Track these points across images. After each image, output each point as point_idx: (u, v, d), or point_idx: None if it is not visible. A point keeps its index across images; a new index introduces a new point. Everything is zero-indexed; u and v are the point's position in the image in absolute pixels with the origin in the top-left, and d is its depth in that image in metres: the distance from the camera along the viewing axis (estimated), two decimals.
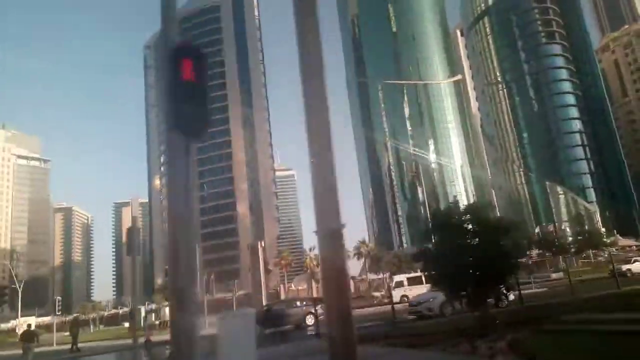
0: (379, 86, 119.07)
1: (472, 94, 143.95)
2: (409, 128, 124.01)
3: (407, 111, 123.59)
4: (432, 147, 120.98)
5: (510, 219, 19.95)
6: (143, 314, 38.71)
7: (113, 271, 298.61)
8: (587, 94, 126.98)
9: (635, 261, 42.66)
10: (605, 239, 55.27)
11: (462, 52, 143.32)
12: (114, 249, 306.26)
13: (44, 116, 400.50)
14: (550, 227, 78.08)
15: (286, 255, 72.23)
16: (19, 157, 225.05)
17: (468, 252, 12.31)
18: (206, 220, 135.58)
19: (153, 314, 44.54)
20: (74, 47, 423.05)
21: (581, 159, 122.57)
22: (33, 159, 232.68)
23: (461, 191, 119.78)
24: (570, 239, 71.63)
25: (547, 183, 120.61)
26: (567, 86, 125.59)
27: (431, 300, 21.07)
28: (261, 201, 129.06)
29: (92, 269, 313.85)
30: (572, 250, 56.37)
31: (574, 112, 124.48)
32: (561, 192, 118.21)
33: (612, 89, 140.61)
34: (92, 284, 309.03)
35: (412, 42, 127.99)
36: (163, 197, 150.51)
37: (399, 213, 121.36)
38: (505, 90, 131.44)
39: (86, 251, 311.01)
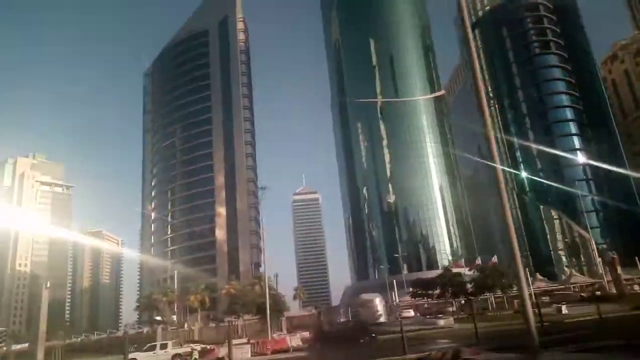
0: (355, 105, 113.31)
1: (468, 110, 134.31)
2: (385, 148, 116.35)
3: (382, 130, 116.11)
4: (408, 169, 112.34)
5: None
6: None
7: (137, 292, 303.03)
8: (589, 107, 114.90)
9: None
10: (505, 280, 45.43)
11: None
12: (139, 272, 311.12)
13: (68, 144, 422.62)
14: (495, 259, 67.70)
15: (201, 291, 66.09)
16: (42, 183, 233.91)
17: None
18: (187, 247, 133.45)
19: None
20: (83, 76, 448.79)
21: (581, 180, 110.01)
22: (56, 185, 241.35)
23: (439, 216, 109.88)
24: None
25: (542, 207, 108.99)
26: (564, 99, 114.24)
27: None
28: (237, 228, 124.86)
29: (121, 291, 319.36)
30: (470, 291, 46.99)
31: (573, 127, 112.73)
32: (556, 217, 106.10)
33: (624, 100, 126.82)
34: (121, 306, 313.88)
35: (390, 60, 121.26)
36: (153, 221, 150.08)
37: (375, 242, 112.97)
38: (496, 106, 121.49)
39: (116, 273, 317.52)
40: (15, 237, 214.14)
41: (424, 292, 48.62)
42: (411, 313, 54.77)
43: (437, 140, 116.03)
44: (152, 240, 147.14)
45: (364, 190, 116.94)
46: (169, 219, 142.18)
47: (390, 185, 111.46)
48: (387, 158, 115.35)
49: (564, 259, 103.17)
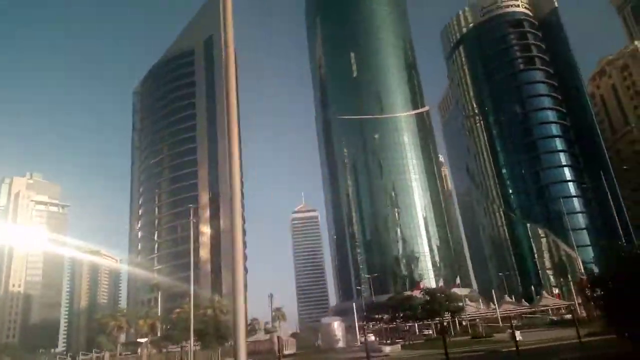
0: (337, 122, 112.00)
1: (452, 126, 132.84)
2: (367, 165, 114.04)
3: (365, 146, 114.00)
4: (390, 186, 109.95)
5: None
6: None
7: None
8: (575, 123, 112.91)
9: None
10: (457, 303, 42.56)
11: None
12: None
13: (63, 163, 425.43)
14: (458, 281, 64.15)
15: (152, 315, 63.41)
16: (37, 203, 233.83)
17: None
18: (172, 266, 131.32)
19: None
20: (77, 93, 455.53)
21: (571, 197, 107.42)
22: (52, 204, 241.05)
23: (421, 234, 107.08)
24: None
25: (528, 225, 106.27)
26: (550, 115, 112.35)
27: None
28: (220, 248, 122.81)
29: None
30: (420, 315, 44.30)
31: (559, 143, 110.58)
32: (543, 235, 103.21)
33: (613, 116, 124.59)
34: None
35: (372, 76, 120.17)
36: (139, 240, 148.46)
37: (357, 262, 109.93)
38: (482, 122, 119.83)
39: (113, 293, 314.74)
40: (10, 257, 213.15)
41: (376, 316, 46.01)
42: (371, 338, 52.25)
43: (420, 157, 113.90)
44: (139, 259, 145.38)
45: (347, 208, 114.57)
46: (155, 238, 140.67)
47: (371, 203, 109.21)
48: (369, 175, 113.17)
49: (551, 278, 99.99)
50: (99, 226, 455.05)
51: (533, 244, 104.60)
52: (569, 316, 51.42)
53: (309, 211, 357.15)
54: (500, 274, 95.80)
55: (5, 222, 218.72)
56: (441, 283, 60.12)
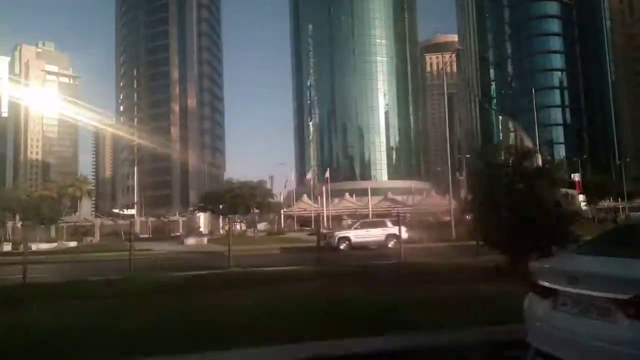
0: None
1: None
2: (329, 44, 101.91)
3: (327, 23, 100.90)
4: (350, 69, 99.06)
5: None
6: None
7: None
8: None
9: None
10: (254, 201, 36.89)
11: None
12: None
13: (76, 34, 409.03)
14: (328, 174, 57.06)
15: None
16: (48, 73, 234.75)
17: None
18: (149, 144, 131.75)
19: None
20: None
21: (553, 88, 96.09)
22: (62, 75, 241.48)
23: (379, 123, 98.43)
24: None
25: (500, 117, 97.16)
26: None
27: None
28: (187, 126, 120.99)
29: None
30: None
31: (554, 26, 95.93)
32: (512, 130, 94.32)
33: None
34: None
35: None
36: (122, 114, 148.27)
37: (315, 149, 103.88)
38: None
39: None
40: (26, 124, 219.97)
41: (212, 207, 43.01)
42: (236, 227, 50.61)
43: (391, 38, 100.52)
44: (120, 133, 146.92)
45: (308, 92, 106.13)
46: (135, 112, 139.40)
47: (331, 87, 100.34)
48: (331, 55, 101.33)
49: None
50: (108, 100, 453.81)
51: (502, 139, 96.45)
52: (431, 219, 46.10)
53: None
54: (437, 169, 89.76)
55: (18, 91, 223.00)
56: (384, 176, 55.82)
